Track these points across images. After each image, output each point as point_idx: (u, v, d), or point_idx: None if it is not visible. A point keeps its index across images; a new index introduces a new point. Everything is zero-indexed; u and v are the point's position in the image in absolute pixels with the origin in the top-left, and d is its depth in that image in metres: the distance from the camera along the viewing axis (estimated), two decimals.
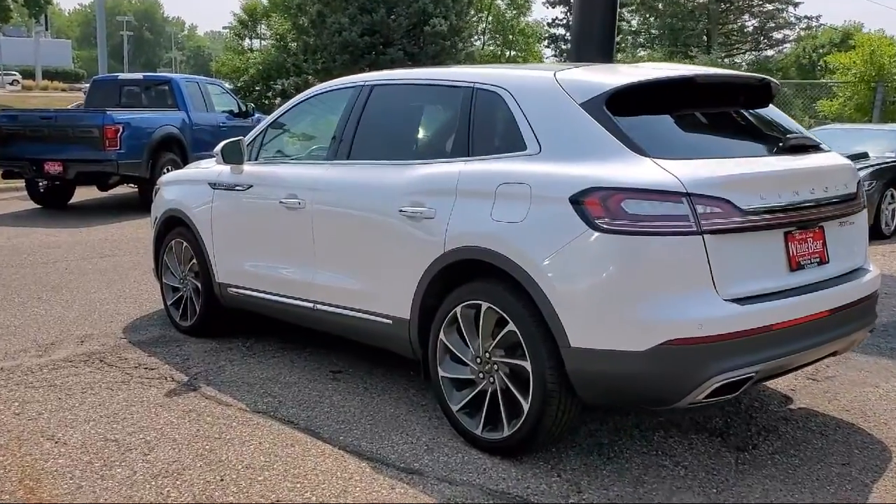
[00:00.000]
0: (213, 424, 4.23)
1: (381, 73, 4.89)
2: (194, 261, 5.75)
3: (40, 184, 12.65)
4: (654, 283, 3.30)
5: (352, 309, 4.52)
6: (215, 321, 5.80)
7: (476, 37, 37.52)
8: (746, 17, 45.13)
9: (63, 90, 48.08)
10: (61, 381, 4.90)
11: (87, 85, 18.68)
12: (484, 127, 3.99)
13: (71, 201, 13.17)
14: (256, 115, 15.61)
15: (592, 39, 9.25)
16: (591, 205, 3.36)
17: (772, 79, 4.16)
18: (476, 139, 3.99)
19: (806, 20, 44.85)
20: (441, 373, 4.01)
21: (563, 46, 42.80)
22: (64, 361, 5.28)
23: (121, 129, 11.83)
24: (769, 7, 44.35)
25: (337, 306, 4.61)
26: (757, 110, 4.12)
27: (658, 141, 3.53)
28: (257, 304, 5.30)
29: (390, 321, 4.29)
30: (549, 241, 3.47)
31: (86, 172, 11.95)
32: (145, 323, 6.23)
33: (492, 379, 3.79)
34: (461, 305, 3.87)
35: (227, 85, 19.54)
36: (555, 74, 3.86)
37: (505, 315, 3.65)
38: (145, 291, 7.20)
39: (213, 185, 5.50)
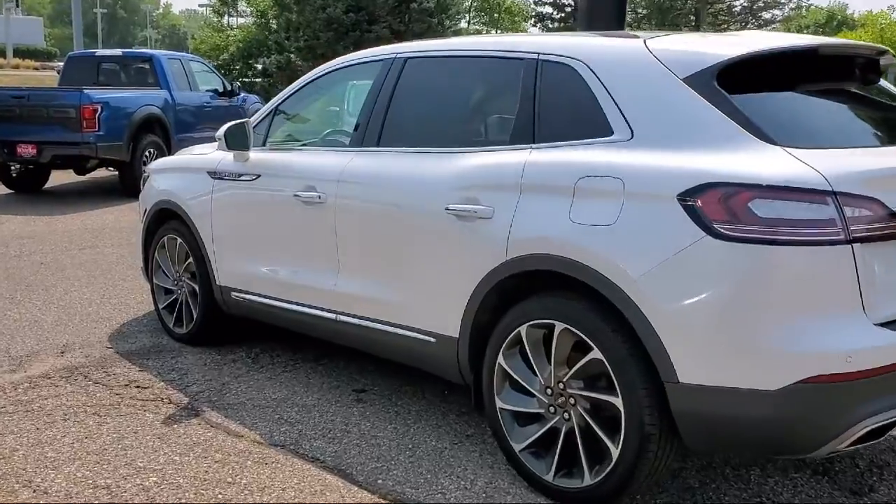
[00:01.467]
0: (223, 463, 3.54)
1: (415, 44, 4.16)
2: (190, 260, 5.03)
3: (12, 167, 11.77)
4: (791, 305, 2.63)
5: (383, 322, 3.83)
6: (215, 329, 5.09)
7: (461, 15, 36.61)
8: None
9: (35, 69, 46.62)
10: (39, 405, 4.18)
11: (61, 64, 17.66)
12: (553, 107, 3.30)
13: (46, 186, 12.31)
14: (242, 95, 14.81)
15: (603, 13, 8.64)
16: (709, 204, 2.68)
17: (888, 49, 3.49)
18: (543, 122, 3.30)
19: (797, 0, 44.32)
20: (499, 404, 3.34)
21: (551, 25, 41.98)
22: (42, 378, 4.56)
23: (99, 109, 10.99)
24: None
25: (365, 318, 3.92)
26: (870, 87, 3.45)
27: (785, 125, 2.86)
28: (266, 313, 4.60)
29: (433, 339, 3.60)
30: (649, 250, 2.80)
31: (62, 155, 11.10)
32: (133, 329, 5.50)
33: (566, 415, 3.12)
34: (527, 324, 3.19)
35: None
36: (645, 43, 3.17)
37: (588, 339, 2.98)
38: (132, 290, 6.46)
39: (214, 175, 4.77)
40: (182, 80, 13.10)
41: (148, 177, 5.51)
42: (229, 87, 14.35)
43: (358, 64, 4.32)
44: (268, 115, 4.67)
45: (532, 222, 3.15)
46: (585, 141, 3.13)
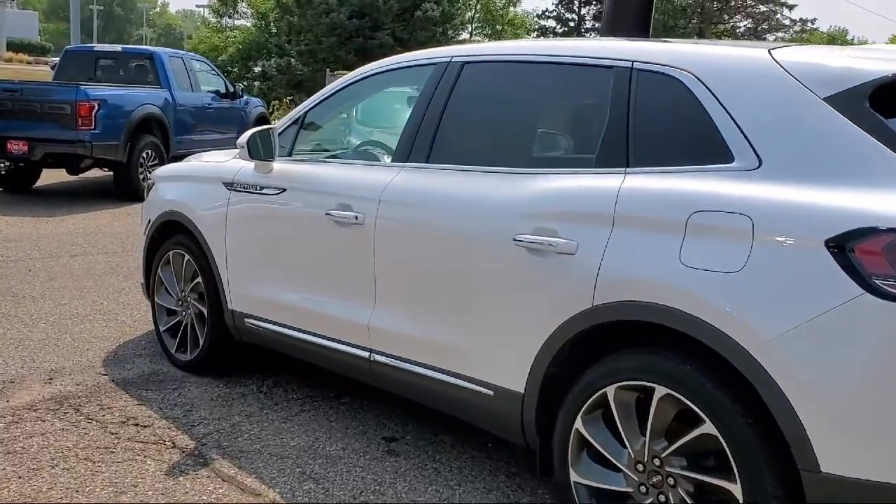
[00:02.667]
0: None
1: (474, 47, 3.65)
2: (199, 280, 4.48)
3: (1, 165, 11.17)
4: None
5: (428, 367, 3.30)
6: (223, 357, 4.55)
7: (464, 25, 36.21)
8: (739, 17, 44.20)
9: (28, 63, 45.91)
10: (23, 444, 3.63)
11: (55, 59, 16.91)
12: (652, 125, 2.78)
13: (35, 185, 11.71)
14: (245, 98, 14.25)
15: (627, 21, 8.25)
16: (870, 254, 2.16)
17: None
18: (639, 142, 2.78)
19: (801, 23, 44.02)
20: (574, 476, 2.81)
21: None
22: (27, 410, 4.00)
23: (96, 107, 10.42)
24: (763, 8, 43.44)
25: (406, 360, 3.39)
26: None
27: None
28: (284, 344, 4.06)
29: (491, 392, 3.07)
30: (788, 307, 2.27)
31: (55, 154, 10.52)
32: (130, 352, 4.94)
33: (662, 497, 2.59)
34: (616, 385, 2.66)
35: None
36: (770, 53, 2.65)
37: (698, 409, 2.45)
38: (127, 306, 5.90)
39: (230, 186, 4.23)
40: (183, 79, 12.55)
41: (153, 184, 4.96)
42: (232, 89, 13.81)
43: (402, 68, 3.79)
44: (294, 122, 4.13)
45: (630, 262, 2.62)
46: (696, 168, 2.61)
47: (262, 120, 14.80)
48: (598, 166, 2.87)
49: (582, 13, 42.14)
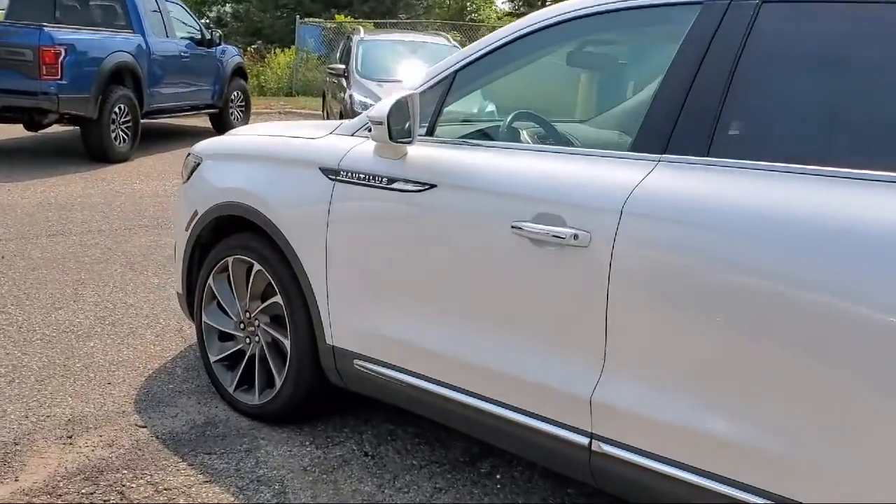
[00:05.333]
0: None
1: None
2: (276, 299, 3.24)
3: None
4: None
5: (706, 474, 2.14)
6: (309, 405, 3.34)
7: None
8: None
9: None
10: None
11: None
12: None
13: None
14: (222, 46, 12.71)
15: None
16: None
17: None
18: None
19: None
20: None
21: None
22: (44, 493, 2.77)
23: (63, 53, 8.91)
24: None
25: (664, 460, 2.22)
26: None
27: None
28: (426, 405, 2.87)
29: None
30: None
31: (14, 107, 8.99)
32: (166, 386, 3.70)
33: None
34: None
35: None
36: None
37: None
38: (139, 310, 4.62)
39: (334, 174, 2.99)
40: (157, 24, 11.02)
41: (199, 163, 3.67)
42: (208, 36, 12.27)
43: (625, 9, 2.56)
44: (437, 84, 2.89)
45: None
46: None
47: (240, 72, 13.31)
48: None
49: None
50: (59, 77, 8.87)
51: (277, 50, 21.96)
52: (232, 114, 12.89)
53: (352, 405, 3.49)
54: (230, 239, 3.45)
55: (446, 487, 2.98)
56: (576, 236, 2.32)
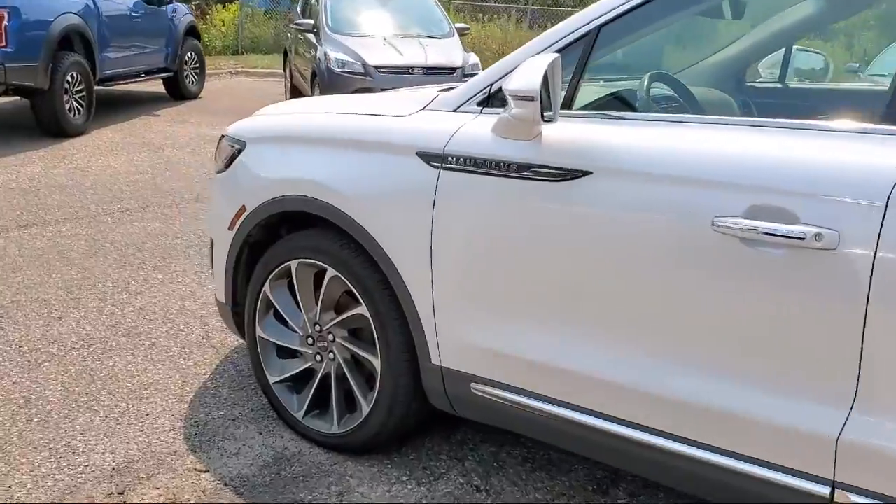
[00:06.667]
0: None
1: None
2: (359, 310, 2.69)
3: None
4: None
5: None
6: (403, 432, 2.83)
7: None
8: None
9: None
10: None
11: None
12: None
13: None
14: (173, 4, 11.78)
15: None
16: None
17: None
18: None
19: None
20: None
21: None
22: None
23: (6, 17, 8.02)
24: None
25: None
26: None
27: None
28: (566, 435, 2.36)
29: None
30: None
31: None
32: (215, 413, 3.14)
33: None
34: None
35: None
36: None
37: None
38: (153, 315, 4.02)
39: (438, 160, 2.43)
40: None
41: (242, 148, 3.06)
42: None
43: None
44: (574, 44, 2.34)
45: None
46: None
47: (193, 31, 12.39)
48: None
49: None
50: (3, 45, 8.00)
51: (219, 6, 20.81)
52: (187, 77, 12.02)
53: (434, 424, 2.98)
54: (292, 239, 2.88)
55: None
56: (818, 236, 1.82)
